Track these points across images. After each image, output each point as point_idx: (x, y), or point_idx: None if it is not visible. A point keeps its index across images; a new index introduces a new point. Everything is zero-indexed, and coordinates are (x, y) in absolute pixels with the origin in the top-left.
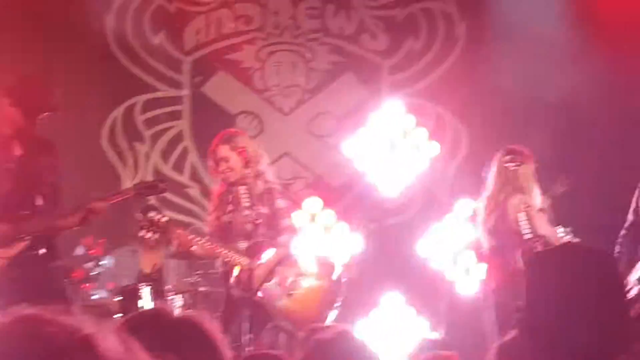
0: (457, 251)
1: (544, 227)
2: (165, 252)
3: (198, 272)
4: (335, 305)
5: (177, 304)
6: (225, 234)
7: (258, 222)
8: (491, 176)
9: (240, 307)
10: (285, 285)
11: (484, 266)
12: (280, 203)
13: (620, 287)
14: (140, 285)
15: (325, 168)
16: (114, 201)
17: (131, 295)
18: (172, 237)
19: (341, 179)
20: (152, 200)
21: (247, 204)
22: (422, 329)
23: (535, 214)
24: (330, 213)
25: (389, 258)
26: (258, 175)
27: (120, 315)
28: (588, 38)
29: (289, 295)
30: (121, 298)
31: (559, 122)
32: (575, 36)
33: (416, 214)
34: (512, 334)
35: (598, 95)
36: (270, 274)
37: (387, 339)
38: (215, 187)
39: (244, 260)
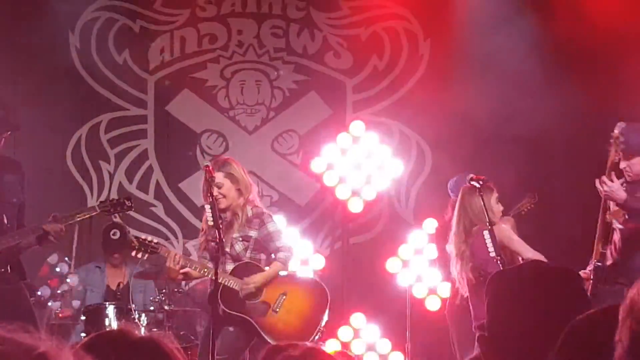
0: (422, 269)
1: (510, 243)
2: (131, 271)
3: (163, 290)
4: (321, 326)
5: (142, 322)
6: (213, 255)
7: (247, 244)
8: (456, 210)
9: (226, 324)
10: (271, 302)
11: (448, 285)
12: (271, 227)
13: (585, 304)
14: (105, 303)
15: (289, 186)
16: (74, 221)
17: (96, 314)
18: (165, 257)
19: (305, 197)
20: (117, 218)
21: (237, 228)
22: (386, 347)
23: (500, 232)
24: (294, 231)
25: (354, 277)
26: (248, 202)
27: (85, 334)
28: (554, 59)
29: (275, 312)
30: (86, 317)
31: (523, 140)
32: (541, 56)
33: (381, 233)
34: (475, 351)
35: (563, 117)
36: (257, 292)
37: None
38: (205, 211)
39: (232, 280)
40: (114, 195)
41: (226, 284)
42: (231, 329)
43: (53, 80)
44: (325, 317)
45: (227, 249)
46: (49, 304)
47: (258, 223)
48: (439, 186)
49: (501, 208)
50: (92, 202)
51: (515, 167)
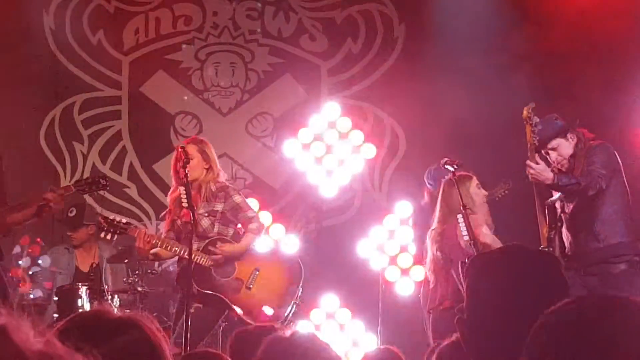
0: (396, 253)
1: (481, 231)
2: (103, 252)
3: (136, 272)
4: (296, 300)
5: (115, 304)
6: (180, 235)
7: (214, 219)
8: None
9: (197, 303)
10: (244, 279)
11: (420, 268)
12: (237, 198)
13: (563, 288)
14: (78, 284)
15: (263, 169)
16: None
17: (69, 295)
18: (135, 238)
19: (279, 180)
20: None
21: (201, 204)
22: (358, 330)
23: (474, 218)
24: (267, 214)
25: (327, 259)
26: (213, 179)
27: (57, 315)
28: (527, 40)
29: (248, 288)
30: (58, 298)
31: (498, 125)
32: (515, 37)
33: (354, 216)
34: (453, 336)
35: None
36: (230, 268)
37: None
38: (172, 191)
39: (202, 257)
40: (87, 176)
41: (198, 261)
42: (201, 306)
43: (27, 60)
44: (300, 291)
45: (199, 228)
46: (20, 285)
47: (223, 196)
48: (412, 170)
49: (484, 192)
50: (65, 182)
51: (489, 152)
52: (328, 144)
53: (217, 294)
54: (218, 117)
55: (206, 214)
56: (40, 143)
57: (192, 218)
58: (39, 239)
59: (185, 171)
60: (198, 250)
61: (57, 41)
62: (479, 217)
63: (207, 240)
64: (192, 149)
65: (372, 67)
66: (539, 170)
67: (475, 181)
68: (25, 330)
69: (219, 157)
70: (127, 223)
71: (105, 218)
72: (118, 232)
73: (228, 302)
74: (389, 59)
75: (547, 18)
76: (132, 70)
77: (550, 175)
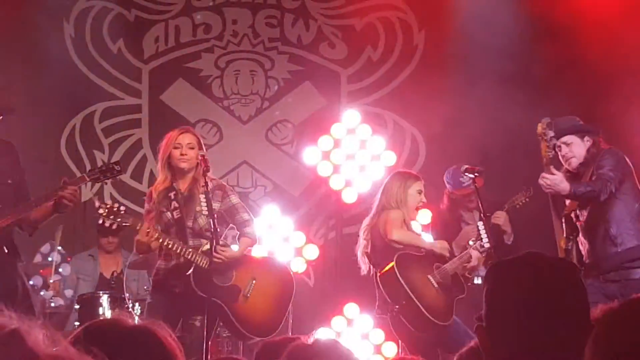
0: None
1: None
2: (125, 260)
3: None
4: (287, 312)
5: (136, 311)
6: (170, 229)
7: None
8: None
9: (193, 307)
10: (242, 287)
11: None
12: (234, 199)
13: (582, 296)
14: (99, 292)
15: (283, 177)
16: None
17: (90, 303)
18: (134, 230)
19: (300, 187)
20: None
21: (203, 200)
22: (379, 338)
23: (385, 216)
24: (288, 221)
25: (348, 267)
26: (206, 176)
27: (78, 323)
28: (550, 49)
29: (246, 298)
30: (80, 306)
31: (518, 132)
32: (535, 44)
33: None
34: (472, 342)
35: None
36: (228, 274)
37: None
38: (161, 181)
39: (203, 259)
40: (108, 185)
41: (198, 262)
42: (197, 323)
43: (48, 69)
44: (290, 306)
45: (190, 223)
46: (41, 293)
47: (221, 195)
48: (432, 177)
49: (420, 199)
50: (86, 191)
51: (510, 160)
52: (348, 152)
53: (218, 301)
54: (238, 125)
55: (204, 212)
56: (61, 151)
57: (212, 226)
58: (60, 247)
59: (205, 179)
60: (199, 250)
61: (77, 50)
62: (397, 214)
63: (206, 241)
64: (191, 138)
65: (392, 75)
66: (555, 181)
67: (419, 186)
68: (37, 334)
69: (239, 165)
70: (126, 212)
71: (105, 204)
72: (118, 220)
73: (230, 315)
74: (408, 66)
75: (570, 28)
76: (152, 78)
77: (567, 185)
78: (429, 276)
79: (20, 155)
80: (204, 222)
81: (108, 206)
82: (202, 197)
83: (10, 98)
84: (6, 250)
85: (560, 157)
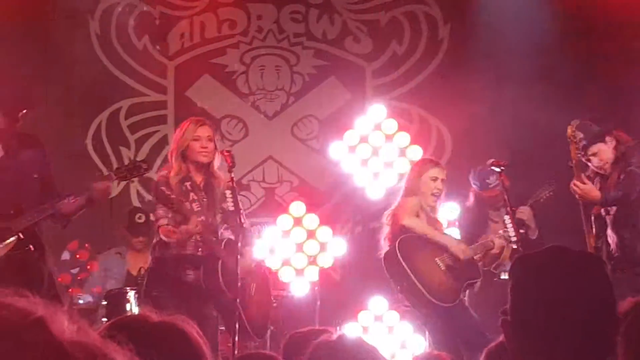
0: None
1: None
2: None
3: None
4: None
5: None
6: (190, 220)
7: (223, 218)
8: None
9: (205, 297)
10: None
11: None
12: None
13: (608, 289)
14: (126, 288)
15: (309, 172)
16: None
17: (117, 299)
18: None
19: (325, 182)
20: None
21: (229, 197)
22: (406, 332)
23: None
24: (314, 217)
25: (375, 261)
26: (230, 168)
27: (106, 319)
28: (573, 38)
29: (251, 297)
30: (107, 302)
31: (543, 126)
32: (561, 36)
33: None
34: (499, 338)
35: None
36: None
37: (373, 342)
38: (176, 172)
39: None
40: (134, 182)
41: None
42: (214, 312)
43: (73, 66)
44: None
45: (210, 218)
46: (70, 290)
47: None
48: (459, 171)
49: (435, 186)
50: (113, 186)
51: (536, 154)
52: (374, 146)
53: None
54: (264, 121)
55: (220, 210)
56: (87, 148)
57: (240, 221)
58: (87, 245)
59: (231, 175)
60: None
61: (102, 46)
62: (412, 201)
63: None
64: (209, 131)
65: (417, 69)
66: (586, 190)
67: (436, 172)
68: (61, 320)
69: (265, 160)
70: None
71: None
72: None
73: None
74: (434, 60)
75: (601, 25)
76: (178, 74)
77: (598, 193)
78: (437, 258)
79: (46, 149)
80: (219, 220)
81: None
82: (228, 192)
83: (37, 95)
84: (32, 248)
85: (593, 168)
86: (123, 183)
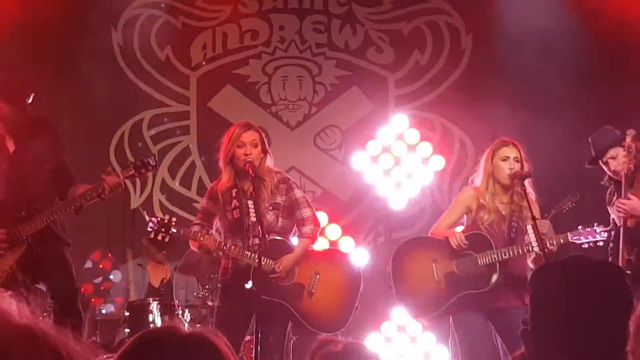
0: None
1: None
2: (173, 267)
3: (207, 286)
4: (355, 306)
5: (186, 318)
6: (234, 228)
7: (277, 212)
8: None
9: (252, 307)
10: (305, 283)
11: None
12: (298, 193)
13: (628, 298)
14: (148, 299)
15: (332, 182)
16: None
17: (140, 310)
18: (188, 238)
19: (348, 192)
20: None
21: (267, 197)
22: (430, 343)
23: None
24: (336, 227)
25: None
26: (268, 169)
27: (129, 330)
28: (601, 54)
29: (310, 294)
30: (130, 313)
31: (565, 135)
32: (584, 47)
33: (423, 228)
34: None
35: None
36: (291, 271)
37: (397, 352)
38: (225, 181)
39: (268, 262)
40: (157, 192)
41: (263, 266)
42: (254, 311)
43: (96, 76)
44: (358, 298)
45: (255, 220)
46: (92, 300)
47: (285, 189)
48: None
49: (508, 166)
50: (135, 198)
51: (560, 164)
52: (396, 156)
53: (282, 302)
54: (286, 131)
55: (270, 207)
56: (110, 159)
57: (261, 234)
58: (110, 254)
59: (252, 186)
60: (260, 247)
61: (125, 57)
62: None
63: (262, 242)
64: (254, 135)
65: (440, 79)
66: (633, 206)
67: (504, 151)
68: (9, 304)
69: (287, 170)
70: (177, 222)
71: (155, 217)
72: (170, 232)
73: (297, 314)
74: (456, 70)
75: (622, 33)
76: (200, 85)
77: None
78: (435, 264)
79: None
80: (271, 218)
81: (158, 219)
82: (250, 203)
83: (59, 106)
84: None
85: (611, 173)
86: (146, 194)
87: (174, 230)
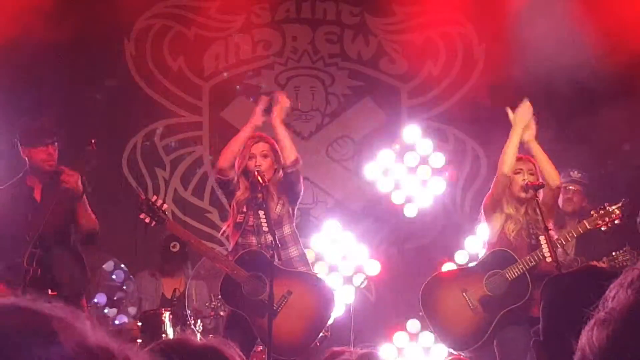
0: None
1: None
2: (187, 278)
3: (219, 296)
4: (321, 334)
5: (198, 328)
6: (248, 239)
7: (281, 202)
8: None
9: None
10: (276, 301)
11: None
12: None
13: None
14: (161, 309)
15: (344, 192)
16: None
17: (152, 320)
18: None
19: (360, 202)
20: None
21: (262, 217)
22: (442, 354)
23: None
24: (349, 237)
25: (410, 282)
26: (278, 177)
27: (141, 340)
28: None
29: (276, 311)
30: (142, 323)
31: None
32: (599, 59)
33: (436, 238)
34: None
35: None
36: (260, 285)
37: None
38: (239, 192)
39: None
40: (169, 203)
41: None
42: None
43: (109, 87)
44: (331, 320)
45: (263, 236)
46: (105, 310)
47: (289, 183)
48: None
49: (522, 178)
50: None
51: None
52: (409, 167)
53: (243, 314)
54: (299, 141)
55: (278, 200)
56: (122, 169)
57: (274, 242)
58: (123, 265)
59: (263, 194)
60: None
61: (138, 68)
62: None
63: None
64: (264, 146)
65: (453, 89)
66: None
67: (520, 165)
68: (84, 323)
69: None
70: (164, 211)
71: (148, 200)
72: (156, 219)
73: (254, 330)
74: (469, 81)
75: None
76: (213, 95)
77: None
78: (465, 293)
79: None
80: (280, 209)
81: (144, 198)
82: (261, 213)
83: (72, 116)
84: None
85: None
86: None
87: (157, 218)
